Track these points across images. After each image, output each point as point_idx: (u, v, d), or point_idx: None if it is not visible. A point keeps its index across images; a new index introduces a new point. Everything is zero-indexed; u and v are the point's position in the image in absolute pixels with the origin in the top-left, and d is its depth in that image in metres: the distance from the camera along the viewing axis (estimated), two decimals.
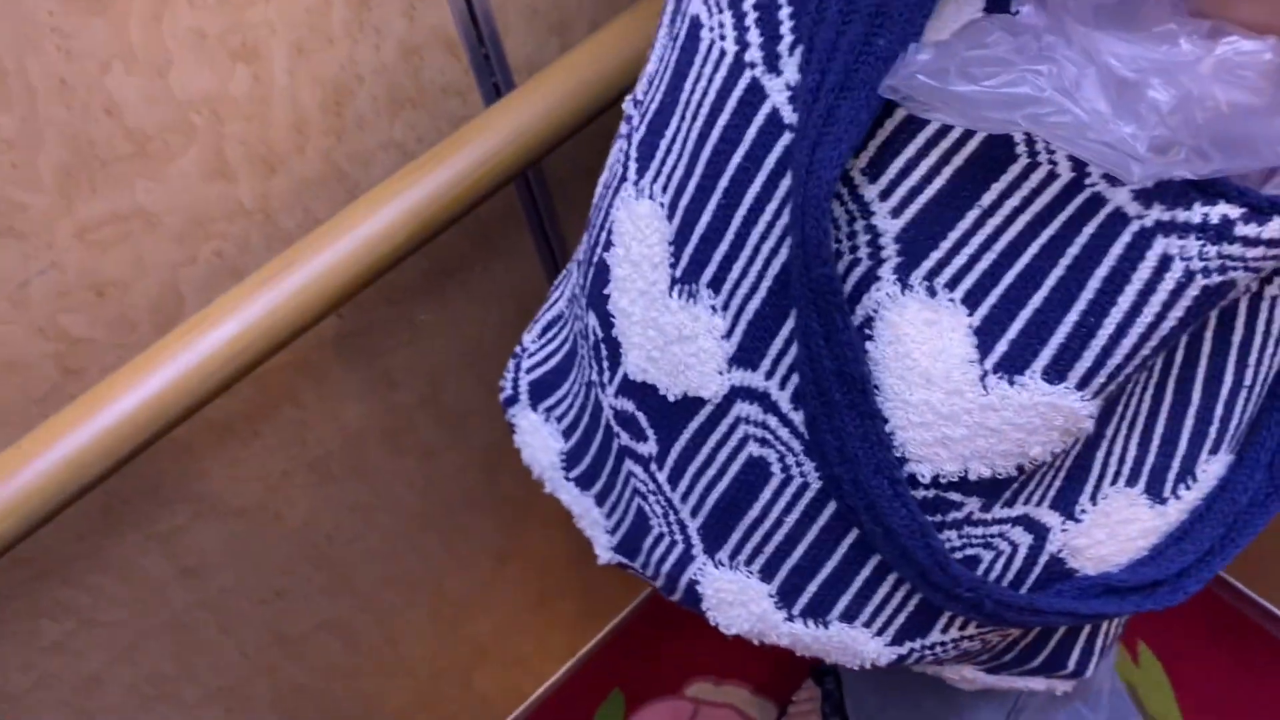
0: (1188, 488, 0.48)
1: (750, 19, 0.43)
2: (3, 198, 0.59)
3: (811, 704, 1.26)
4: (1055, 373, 0.41)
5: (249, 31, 0.62)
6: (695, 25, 0.46)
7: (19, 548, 0.67)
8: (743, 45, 0.44)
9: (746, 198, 0.45)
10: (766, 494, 0.51)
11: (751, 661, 1.35)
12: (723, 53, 0.45)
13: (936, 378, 0.43)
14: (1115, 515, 0.48)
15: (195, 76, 0.61)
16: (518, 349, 0.73)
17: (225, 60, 0.62)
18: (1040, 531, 0.49)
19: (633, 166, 0.51)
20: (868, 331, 0.44)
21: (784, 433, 0.49)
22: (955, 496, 0.46)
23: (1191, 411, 0.46)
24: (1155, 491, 0.48)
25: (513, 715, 1.32)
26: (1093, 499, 0.48)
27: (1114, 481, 0.48)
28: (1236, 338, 0.45)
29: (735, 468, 0.52)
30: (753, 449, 0.50)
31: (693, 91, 0.47)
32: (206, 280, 0.69)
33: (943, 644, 0.53)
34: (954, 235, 0.42)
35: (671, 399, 0.52)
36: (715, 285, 0.48)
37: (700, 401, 0.51)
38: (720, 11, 0.45)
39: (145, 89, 0.60)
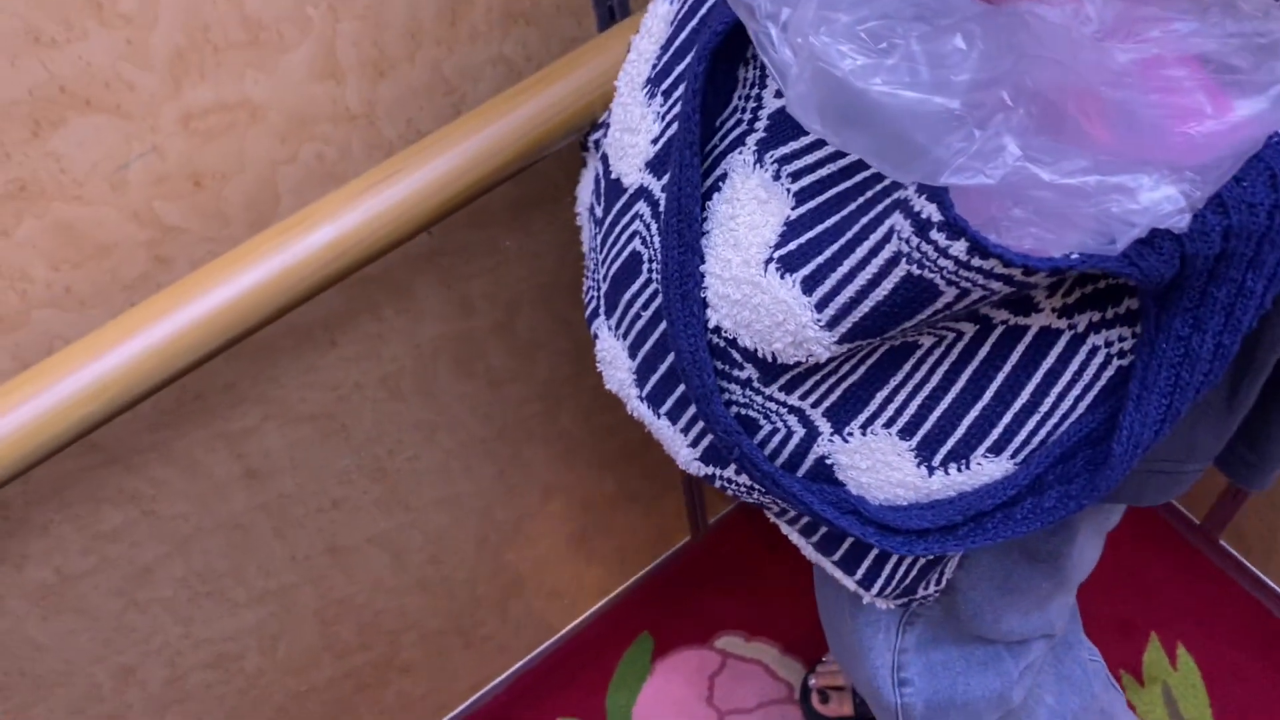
0: (959, 470, 0.50)
1: None
2: (114, 75, 0.57)
3: (839, 666, 1.26)
4: (808, 286, 0.45)
5: None
6: None
7: (93, 434, 0.67)
8: None
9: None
10: (635, 285, 0.56)
11: (782, 619, 1.34)
12: None
13: (743, 244, 0.48)
14: (879, 455, 0.51)
15: None
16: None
17: None
18: (812, 430, 0.53)
19: None
20: (719, 185, 0.50)
21: (650, 244, 0.55)
22: (736, 355, 0.51)
23: (979, 406, 0.48)
24: (925, 456, 0.50)
25: (543, 646, 1.33)
26: (863, 429, 0.51)
27: (887, 425, 0.51)
28: (1046, 364, 0.47)
29: (621, 255, 0.57)
30: (635, 244, 0.56)
31: None
32: (304, 181, 0.68)
33: (735, 483, 0.57)
34: (807, 139, 0.46)
35: (613, 177, 0.58)
36: (667, 94, 0.53)
37: (623, 189, 0.57)
38: None
39: None
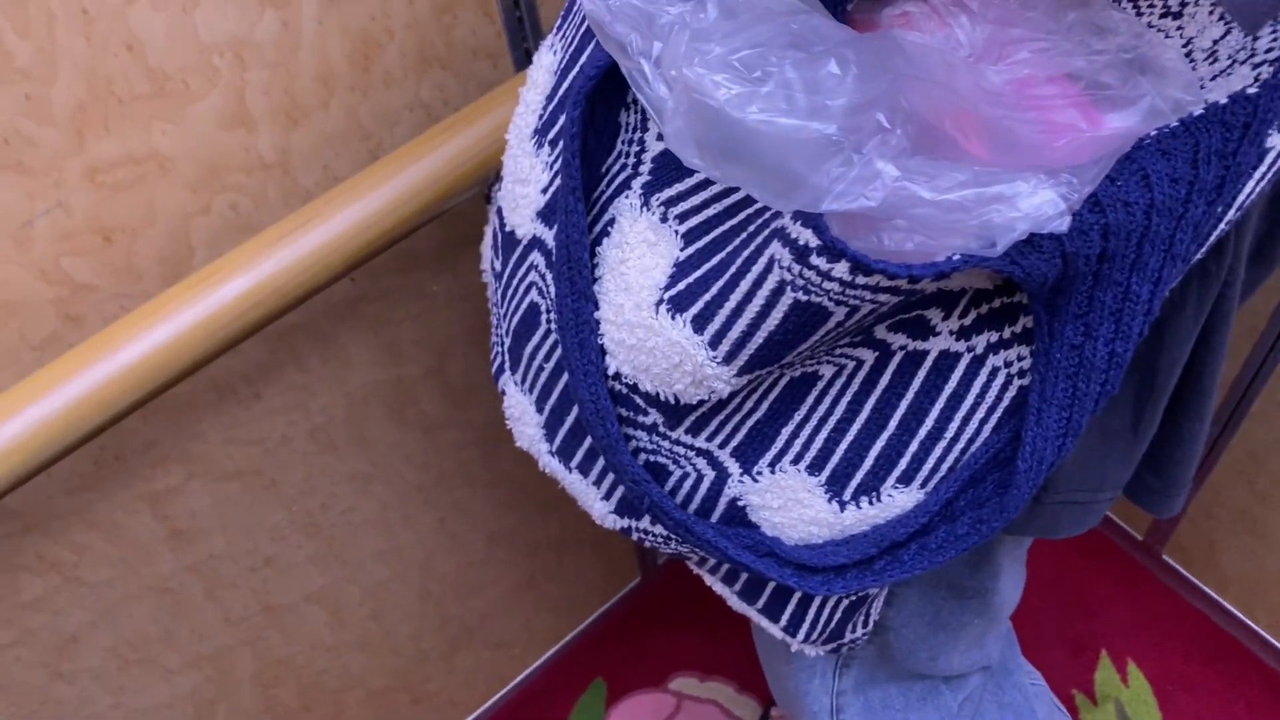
0: (870, 503, 0.50)
1: None
2: (12, 130, 0.56)
3: None
4: (698, 324, 0.45)
5: None
6: None
7: (5, 499, 0.65)
8: None
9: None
10: (536, 337, 0.56)
11: (737, 658, 1.33)
12: None
13: (634, 288, 0.48)
14: (790, 492, 0.51)
15: (222, 18, 0.59)
16: None
17: (254, 3, 0.59)
18: (722, 472, 0.52)
19: (558, 22, 0.57)
20: (607, 230, 0.50)
21: (547, 296, 0.54)
22: (639, 401, 0.51)
23: (885, 436, 0.48)
24: (835, 490, 0.50)
25: (494, 699, 1.30)
26: (771, 467, 0.51)
27: (795, 461, 0.50)
28: (948, 388, 0.47)
29: (521, 308, 0.57)
30: (533, 295, 0.56)
31: None
32: (218, 232, 0.67)
33: (652, 534, 0.56)
34: (693, 179, 0.47)
35: (506, 230, 0.58)
36: (553, 143, 0.53)
37: (517, 241, 0.56)
38: None
39: (169, 26, 0.57)
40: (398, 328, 0.83)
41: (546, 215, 0.54)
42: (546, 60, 0.56)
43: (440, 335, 0.86)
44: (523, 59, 0.74)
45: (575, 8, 0.53)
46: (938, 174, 0.33)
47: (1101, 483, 0.56)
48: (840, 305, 0.41)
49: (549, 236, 0.54)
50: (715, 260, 0.46)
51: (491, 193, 0.69)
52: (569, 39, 0.53)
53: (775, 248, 0.41)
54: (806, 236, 0.39)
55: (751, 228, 0.45)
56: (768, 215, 0.44)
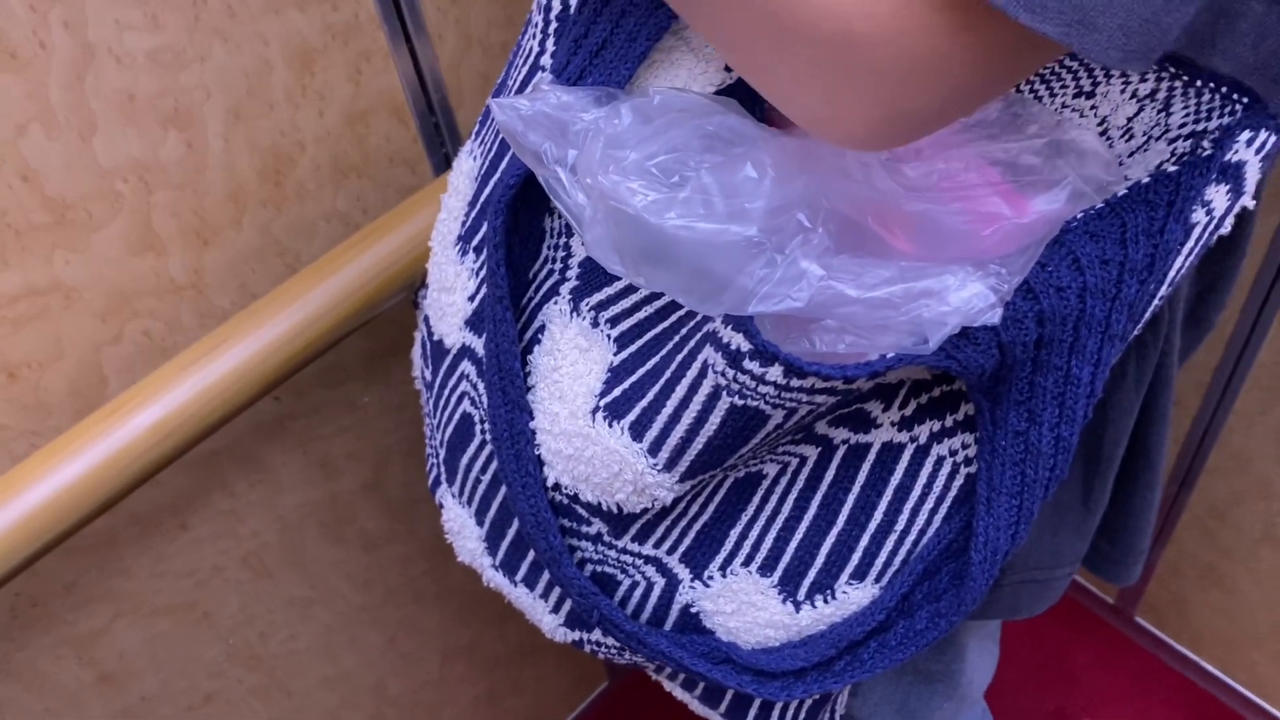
0: (825, 602, 0.48)
1: (551, 29, 0.47)
2: None
3: None
4: (635, 431, 0.44)
5: (182, 95, 0.58)
6: (527, 22, 0.50)
7: None
8: (542, 49, 0.48)
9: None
10: (471, 449, 0.54)
11: None
12: (530, 50, 0.48)
13: (568, 396, 0.46)
14: (743, 595, 0.49)
15: (122, 142, 0.57)
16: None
17: (155, 125, 0.58)
18: (672, 579, 0.50)
19: (476, 127, 0.56)
20: (538, 337, 0.49)
21: (479, 406, 0.53)
22: (581, 511, 0.49)
23: (834, 533, 0.47)
24: (789, 591, 0.48)
25: None
26: (722, 571, 0.49)
27: (745, 563, 0.49)
28: (894, 480, 0.45)
29: (454, 419, 0.55)
30: (465, 406, 0.54)
31: (511, 77, 0.51)
32: (132, 360, 0.64)
33: (604, 645, 0.54)
34: (620, 283, 0.46)
35: (434, 339, 0.56)
36: (478, 250, 0.51)
37: (446, 350, 0.55)
38: (537, 14, 0.48)
39: (67, 154, 0.56)
40: (329, 443, 0.80)
41: (474, 323, 0.52)
42: (467, 166, 0.54)
43: (376, 448, 0.83)
44: (442, 163, 0.73)
45: (486, 117, 0.53)
46: (863, 271, 0.32)
47: (1058, 558, 0.54)
48: (777, 408, 0.39)
49: (478, 345, 0.52)
50: (650, 365, 0.44)
51: (418, 298, 0.68)
52: (488, 144, 0.52)
53: (708, 352, 0.40)
54: (738, 340, 0.38)
55: (684, 330, 0.43)
56: (698, 319, 0.42)
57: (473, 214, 0.53)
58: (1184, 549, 1.17)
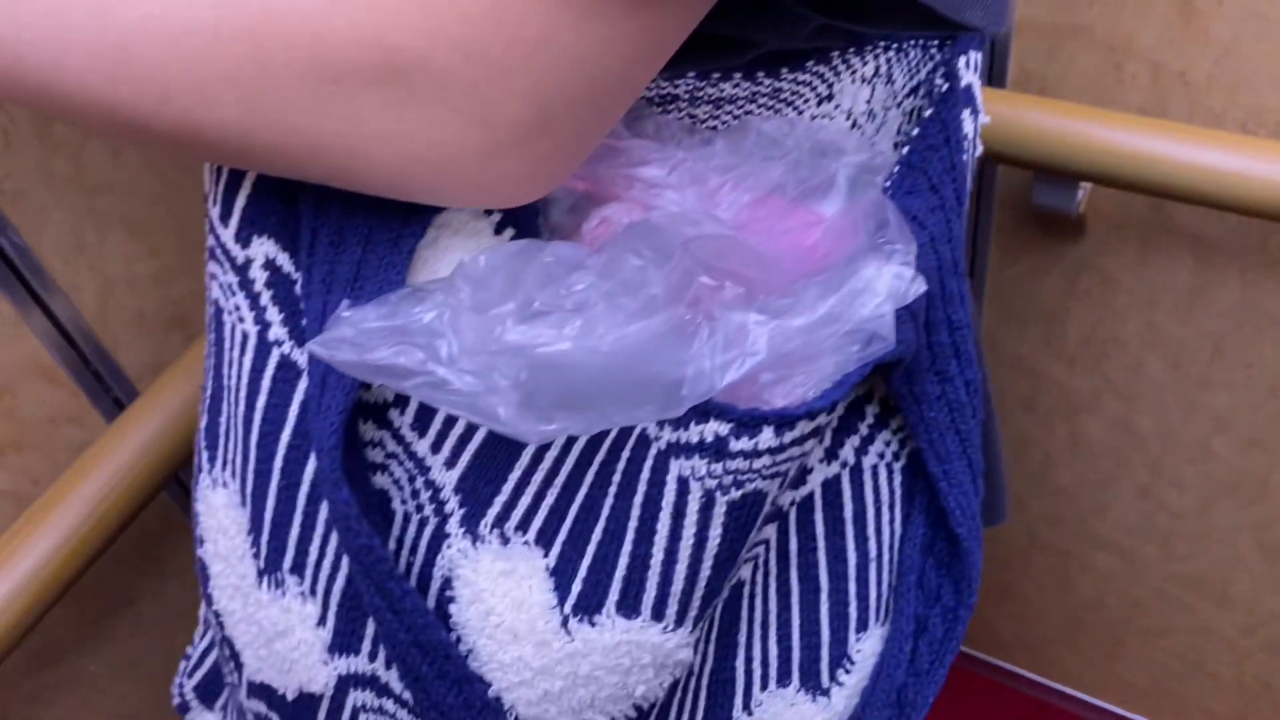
0: (847, 672, 0.46)
1: (265, 298, 0.41)
2: None
3: None
4: (628, 607, 0.39)
5: None
6: (217, 311, 0.44)
7: None
8: (263, 325, 0.42)
9: (305, 475, 0.42)
10: None
11: None
12: (245, 335, 0.42)
13: (522, 632, 0.40)
14: (780, 712, 0.46)
15: None
16: (188, 649, 0.64)
17: None
18: None
19: (204, 455, 0.46)
20: (449, 593, 0.41)
21: (404, 715, 0.44)
22: None
23: (824, 597, 0.45)
24: (813, 684, 0.46)
25: None
26: (747, 709, 0.46)
27: (764, 686, 0.46)
28: (848, 513, 0.45)
29: None
30: None
31: (229, 377, 0.44)
32: None
33: None
34: (515, 476, 0.40)
35: (290, 698, 0.46)
36: (298, 570, 0.43)
37: (315, 698, 0.45)
38: (234, 295, 0.42)
39: None
40: None
41: (343, 643, 0.43)
42: (219, 499, 0.45)
43: (116, 715, 0.77)
44: (112, 408, 0.69)
45: (224, 438, 0.45)
46: (790, 298, 0.32)
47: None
48: (774, 478, 0.38)
49: (362, 665, 0.43)
50: (596, 538, 0.39)
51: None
52: (235, 465, 0.44)
53: (678, 468, 0.37)
54: (714, 429, 0.35)
55: (616, 479, 0.39)
56: (631, 455, 0.38)
57: (263, 539, 0.44)
58: None
